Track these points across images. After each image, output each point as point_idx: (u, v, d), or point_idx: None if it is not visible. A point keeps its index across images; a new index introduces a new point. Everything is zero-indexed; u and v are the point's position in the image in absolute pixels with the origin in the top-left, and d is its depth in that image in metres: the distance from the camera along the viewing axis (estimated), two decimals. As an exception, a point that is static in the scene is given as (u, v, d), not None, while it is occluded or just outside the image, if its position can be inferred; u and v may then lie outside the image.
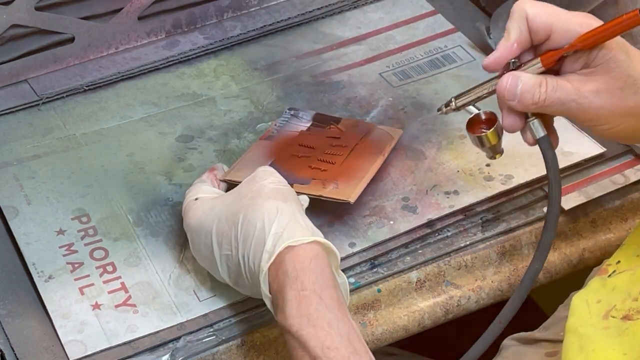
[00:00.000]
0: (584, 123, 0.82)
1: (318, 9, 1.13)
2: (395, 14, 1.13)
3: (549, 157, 0.83)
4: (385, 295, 0.88)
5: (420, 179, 0.95)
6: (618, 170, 0.97)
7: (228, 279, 0.83)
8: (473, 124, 0.85)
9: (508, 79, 0.80)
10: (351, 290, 0.87)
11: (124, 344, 0.82)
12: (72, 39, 1.05)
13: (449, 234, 0.91)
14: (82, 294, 0.85)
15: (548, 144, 0.83)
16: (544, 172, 0.94)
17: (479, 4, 1.14)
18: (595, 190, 0.95)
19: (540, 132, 0.82)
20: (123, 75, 1.05)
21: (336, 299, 0.75)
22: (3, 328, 0.83)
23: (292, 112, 0.99)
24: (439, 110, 0.87)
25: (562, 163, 0.94)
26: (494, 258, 0.91)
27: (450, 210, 0.92)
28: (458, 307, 0.90)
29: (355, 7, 1.13)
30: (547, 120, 0.83)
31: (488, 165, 0.96)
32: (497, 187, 0.93)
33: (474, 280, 0.90)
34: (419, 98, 1.03)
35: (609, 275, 0.79)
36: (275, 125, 0.97)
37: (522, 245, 0.92)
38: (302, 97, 1.03)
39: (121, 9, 1.06)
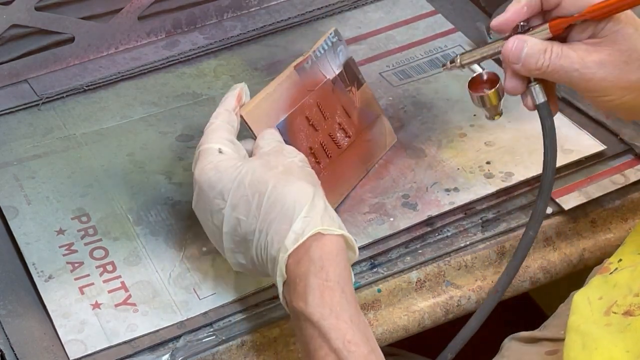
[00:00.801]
0: (586, 93, 0.82)
1: (318, 9, 1.13)
2: (395, 14, 1.13)
3: (547, 124, 0.83)
4: (385, 295, 0.88)
5: (420, 177, 0.95)
6: (618, 170, 0.97)
7: (224, 243, 0.81)
8: (475, 84, 0.86)
9: (514, 41, 0.81)
10: (352, 290, 0.87)
11: (124, 343, 0.82)
12: (72, 39, 1.05)
13: (449, 233, 0.91)
14: (82, 293, 0.85)
15: (547, 111, 0.83)
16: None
17: (479, 4, 1.14)
18: (595, 190, 0.95)
19: (541, 97, 0.83)
20: (123, 75, 1.05)
21: (355, 296, 0.76)
22: (3, 328, 0.83)
23: (334, 40, 0.94)
24: (443, 66, 0.89)
25: (562, 161, 0.95)
26: (494, 258, 0.91)
27: (451, 207, 0.92)
28: (458, 307, 0.90)
29: (355, 7, 1.13)
30: (548, 87, 0.84)
31: (488, 162, 0.96)
32: (498, 185, 0.94)
33: (474, 281, 0.90)
34: (419, 97, 1.03)
35: (611, 273, 0.79)
36: (314, 52, 0.93)
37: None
38: (302, 97, 1.03)
39: (121, 9, 1.06)
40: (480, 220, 0.92)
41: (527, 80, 0.83)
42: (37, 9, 1.02)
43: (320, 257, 0.75)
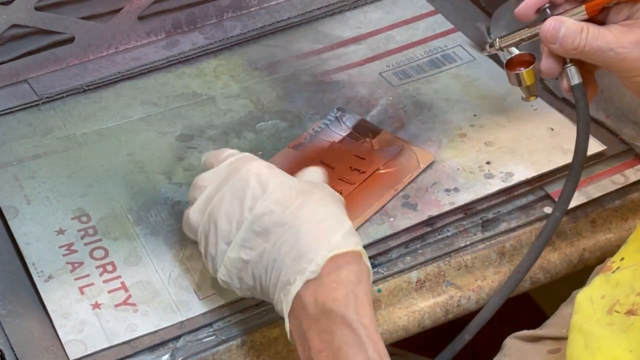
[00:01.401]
0: (621, 73, 0.84)
1: (318, 9, 1.13)
2: (395, 14, 1.13)
3: (581, 106, 0.85)
4: (385, 295, 0.88)
5: (420, 177, 0.95)
6: (618, 170, 0.97)
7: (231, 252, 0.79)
8: (512, 64, 0.88)
9: (552, 22, 0.83)
10: (351, 290, 0.87)
11: (124, 343, 0.82)
12: (72, 39, 1.05)
13: (449, 233, 0.91)
14: (82, 293, 0.85)
15: (582, 93, 0.85)
16: (544, 169, 0.94)
17: (479, 4, 1.14)
18: (595, 190, 0.95)
19: (576, 79, 0.84)
20: (123, 75, 1.05)
21: None
22: (3, 328, 0.83)
23: (338, 114, 0.98)
24: (483, 49, 0.91)
25: (562, 161, 0.95)
26: (494, 258, 0.91)
27: (451, 207, 0.92)
28: (458, 307, 0.90)
29: (355, 7, 1.13)
30: (585, 71, 0.85)
31: (488, 163, 0.96)
32: (498, 185, 0.94)
33: (474, 281, 0.90)
34: (419, 97, 1.03)
35: (613, 272, 0.79)
36: (313, 129, 0.96)
37: (522, 245, 0.92)
38: (302, 97, 1.03)
39: (121, 9, 1.06)
40: (480, 220, 0.92)
41: (563, 62, 0.85)
42: (37, 9, 1.02)
43: (359, 270, 0.76)
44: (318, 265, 0.75)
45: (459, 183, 0.94)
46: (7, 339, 0.82)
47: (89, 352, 0.81)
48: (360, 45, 1.09)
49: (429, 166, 0.96)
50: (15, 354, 0.81)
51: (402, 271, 0.89)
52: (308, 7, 1.13)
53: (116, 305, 0.85)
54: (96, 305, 0.84)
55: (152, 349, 0.82)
